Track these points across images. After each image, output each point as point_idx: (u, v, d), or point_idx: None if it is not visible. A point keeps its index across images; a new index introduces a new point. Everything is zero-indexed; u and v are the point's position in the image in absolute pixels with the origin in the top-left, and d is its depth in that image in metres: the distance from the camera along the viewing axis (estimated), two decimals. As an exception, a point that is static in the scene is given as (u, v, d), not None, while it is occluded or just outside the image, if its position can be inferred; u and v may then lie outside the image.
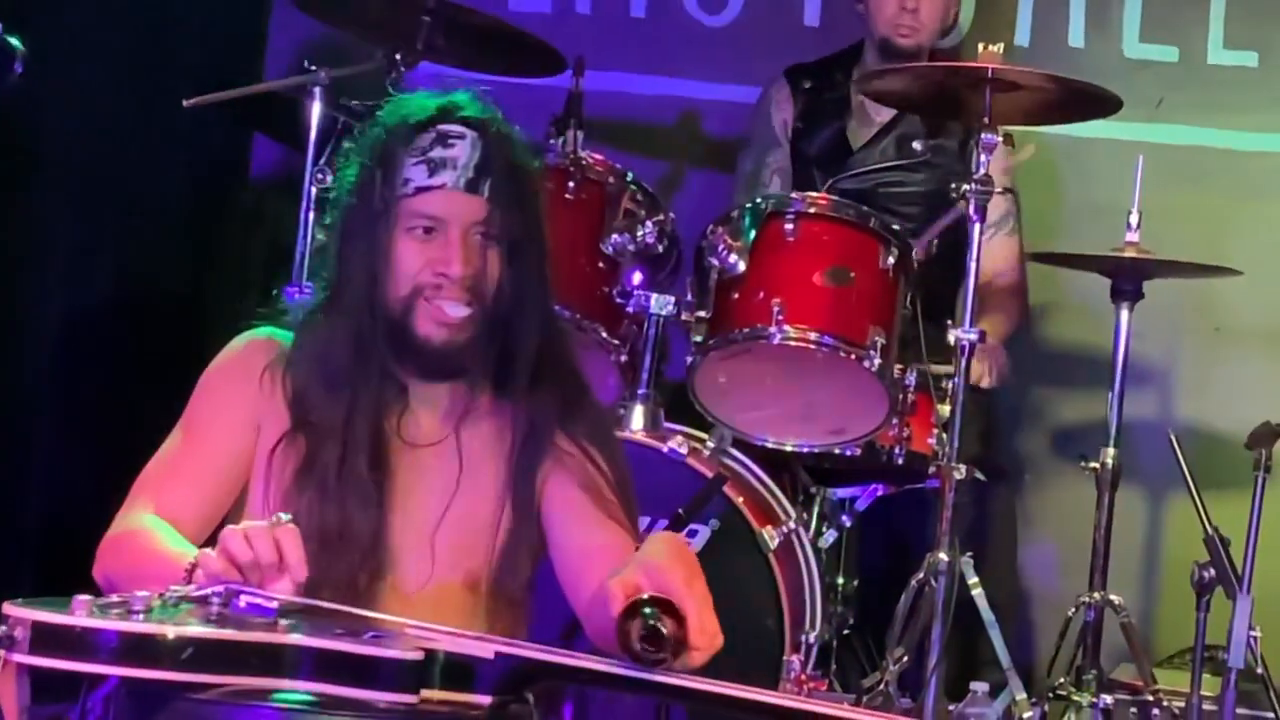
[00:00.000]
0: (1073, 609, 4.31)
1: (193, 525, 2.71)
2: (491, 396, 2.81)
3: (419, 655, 2.12)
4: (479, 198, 2.72)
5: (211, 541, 2.53)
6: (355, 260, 2.76)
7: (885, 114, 5.06)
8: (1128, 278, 4.35)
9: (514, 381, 2.79)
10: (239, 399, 2.79)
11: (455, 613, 2.68)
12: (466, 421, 2.80)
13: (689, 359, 4.19)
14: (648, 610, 2.22)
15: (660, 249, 4.28)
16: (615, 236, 4.23)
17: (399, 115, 2.78)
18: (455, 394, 2.80)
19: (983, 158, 4.09)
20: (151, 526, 2.67)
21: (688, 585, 2.32)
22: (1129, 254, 4.27)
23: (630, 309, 4.19)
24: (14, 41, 2.73)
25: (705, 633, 2.28)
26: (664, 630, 2.20)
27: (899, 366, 4.21)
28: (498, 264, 2.74)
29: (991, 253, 4.21)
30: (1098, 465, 4.33)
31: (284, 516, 2.42)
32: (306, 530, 2.48)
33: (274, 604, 2.24)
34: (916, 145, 5.03)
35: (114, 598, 2.14)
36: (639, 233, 4.23)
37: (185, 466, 2.77)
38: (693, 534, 3.86)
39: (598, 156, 4.37)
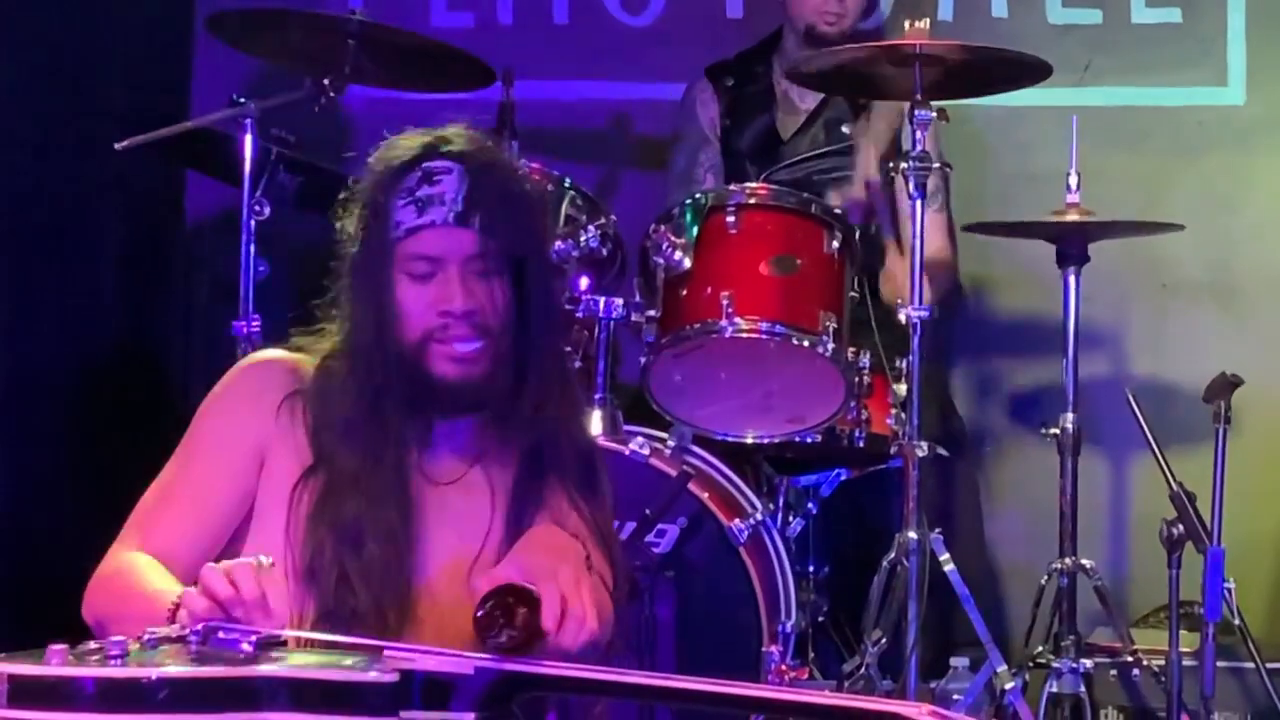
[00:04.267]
0: (1045, 577, 4.31)
1: (189, 558, 2.67)
2: (502, 430, 2.79)
3: (394, 677, 2.11)
4: (470, 230, 2.69)
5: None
6: (362, 309, 2.75)
7: (810, 100, 5.07)
8: (1072, 241, 4.36)
9: (522, 412, 2.76)
10: (248, 425, 2.76)
11: None
12: (490, 456, 2.79)
13: (642, 359, 4.18)
14: (486, 598, 2.28)
15: (604, 252, 4.28)
16: (559, 244, 4.22)
17: (386, 158, 2.76)
18: (477, 429, 2.79)
19: (918, 134, 4.11)
20: (139, 564, 2.65)
21: (550, 572, 2.37)
22: (1072, 217, 4.28)
23: (580, 314, 4.18)
24: None
25: (572, 616, 2.35)
26: (493, 613, 2.24)
27: (852, 350, 4.21)
28: (502, 293, 2.71)
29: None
30: (1058, 431, 4.33)
31: (265, 559, 2.41)
32: (330, 569, 2.47)
33: (253, 638, 2.22)
34: (845, 129, 5.04)
35: (90, 644, 2.12)
36: (582, 238, 4.23)
37: (183, 496, 2.74)
38: (661, 534, 3.86)
39: (534, 165, 4.36)
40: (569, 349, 4.22)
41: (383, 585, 2.66)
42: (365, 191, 2.77)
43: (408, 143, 2.76)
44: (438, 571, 2.72)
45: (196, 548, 2.71)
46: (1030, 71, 4.28)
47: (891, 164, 4.19)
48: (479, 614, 2.26)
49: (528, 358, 2.75)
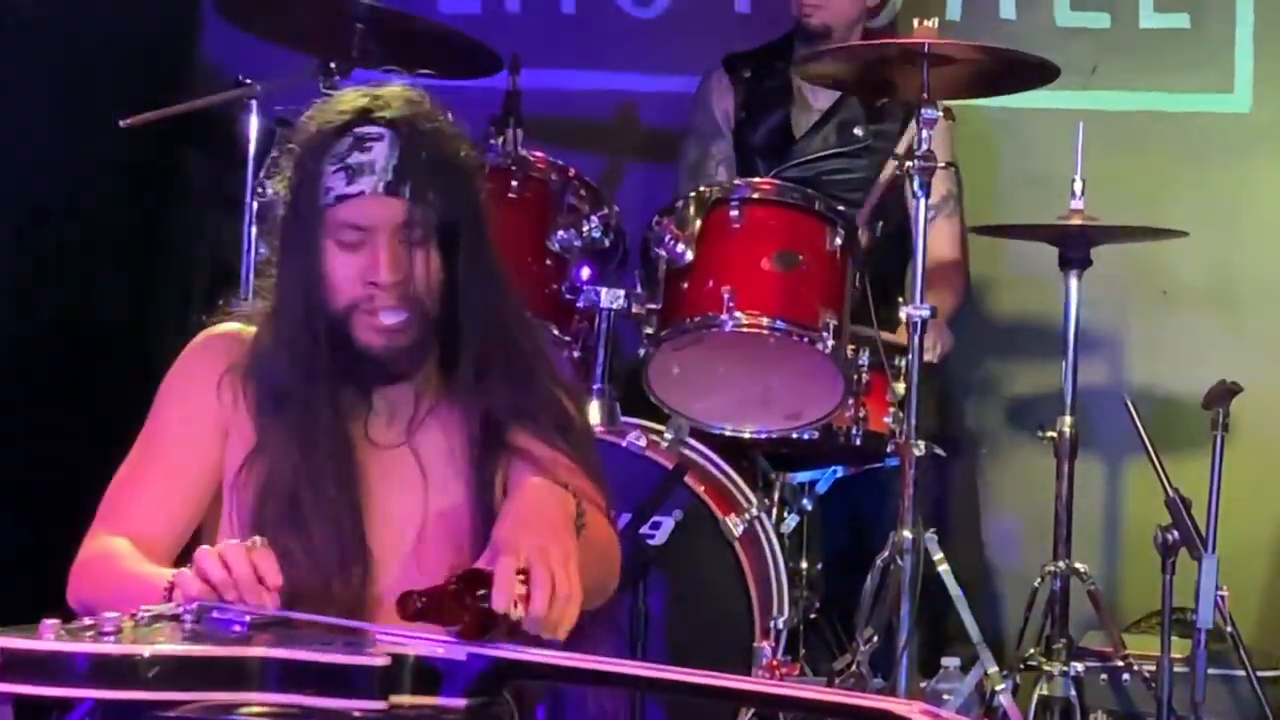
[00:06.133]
0: (1038, 579, 4.31)
1: (166, 541, 2.67)
2: (446, 396, 2.78)
3: (386, 661, 2.11)
4: (400, 200, 2.64)
5: (186, 554, 2.51)
6: (292, 274, 2.72)
7: (824, 100, 5.07)
8: (1075, 245, 4.36)
9: (460, 378, 2.75)
10: (201, 404, 2.74)
11: None
12: (424, 423, 2.77)
13: (641, 351, 4.18)
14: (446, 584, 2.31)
15: (606, 243, 4.28)
16: (561, 233, 4.23)
17: (319, 120, 2.72)
18: (410, 396, 2.77)
19: (924, 133, 4.11)
20: (122, 548, 2.64)
21: (540, 551, 2.37)
22: (1075, 221, 4.27)
23: (580, 305, 4.18)
24: None
25: (560, 598, 2.34)
26: (419, 605, 2.26)
27: (851, 347, 4.21)
28: (429, 263, 2.67)
29: (933, 236, 4.21)
30: (1055, 434, 4.33)
31: (258, 540, 2.41)
32: (282, 547, 2.46)
33: (246, 618, 2.22)
34: (858, 131, 5.03)
35: (85, 620, 2.12)
36: (584, 228, 4.23)
37: (153, 482, 2.73)
38: (656, 526, 3.86)
39: (539, 154, 4.37)
40: (569, 338, 4.23)
41: (335, 560, 2.64)
42: (296, 154, 2.73)
43: (342, 105, 2.71)
44: (388, 537, 2.70)
45: (170, 529, 2.70)
46: (1037, 73, 4.28)
47: (898, 163, 4.18)
48: (422, 602, 2.27)
49: (461, 325, 2.71)
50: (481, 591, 2.28)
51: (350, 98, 2.73)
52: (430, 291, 2.68)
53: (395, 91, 2.73)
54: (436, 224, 2.67)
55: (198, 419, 2.74)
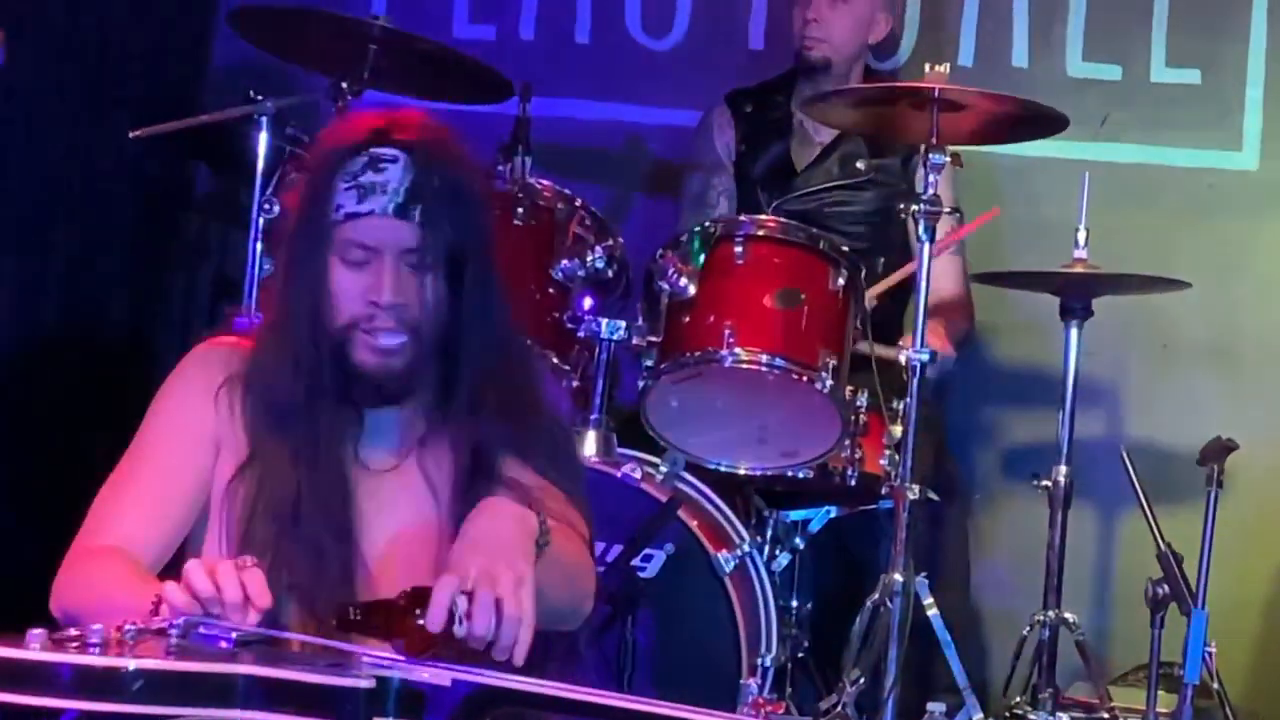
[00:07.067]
0: (1027, 627, 4.31)
1: (152, 552, 2.67)
2: (438, 423, 2.78)
3: (370, 683, 2.11)
4: (409, 223, 2.65)
5: (172, 565, 2.51)
6: (296, 287, 2.73)
7: (826, 134, 5.08)
8: (1077, 295, 4.36)
9: (456, 406, 2.75)
10: (196, 415, 2.74)
11: None
12: (413, 449, 2.77)
13: (640, 383, 4.18)
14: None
15: (610, 274, 4.29)
16: (565, 262, 4.23)
17: (336, 137, 2.74)
18: (401, 420, 2.77)
19: (931, 178, 4.11)
20: (111, 558, 2.63)
21: (488, 576, 2.37)
22: (1078, 271, 4.28)
23: (581, 334, 4.19)
24: None
25: (509, 620, 2.34)
26: (355, 617, 2.33)
27: (850, 388, 4.21)
28: (433, 289, 2.68)
29: (935, 273, 4.21)
30: (1050, 483, 4.33)
31: (248, 559, 2.41)
32: (273, 563, 2.47)
33: (233, 635, 2.22)
34: (860, 165, 5.04)
35: (70, 631, 2.12)
36: (588, 258, 4.24)
37: (141, 491, 2.72)
38: (648, 558, 3.86)
39: (546, 183, 4.37)
40: (568, 367, 4.23)
41: (327, 580, 2.63)
42: (310, 167, 2.75)
43: (360, 123, 2.73)
44: (376, 560, 2.69)
45: (157, 540, 2.69)
46: (1047, 123, 4.29)
47: (902, 206, 4.18)
48: (357, 614, 2.31)
49: (460, 355, 2.72)
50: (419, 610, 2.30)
51: (369, 117, 2.74)
52: (430, 317, 2.68)
53: (414, 115, 2.75)
54: (444, 251, 2.68)
55: (191, 429, 2.74)
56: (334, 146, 2.72)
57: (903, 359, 4.13)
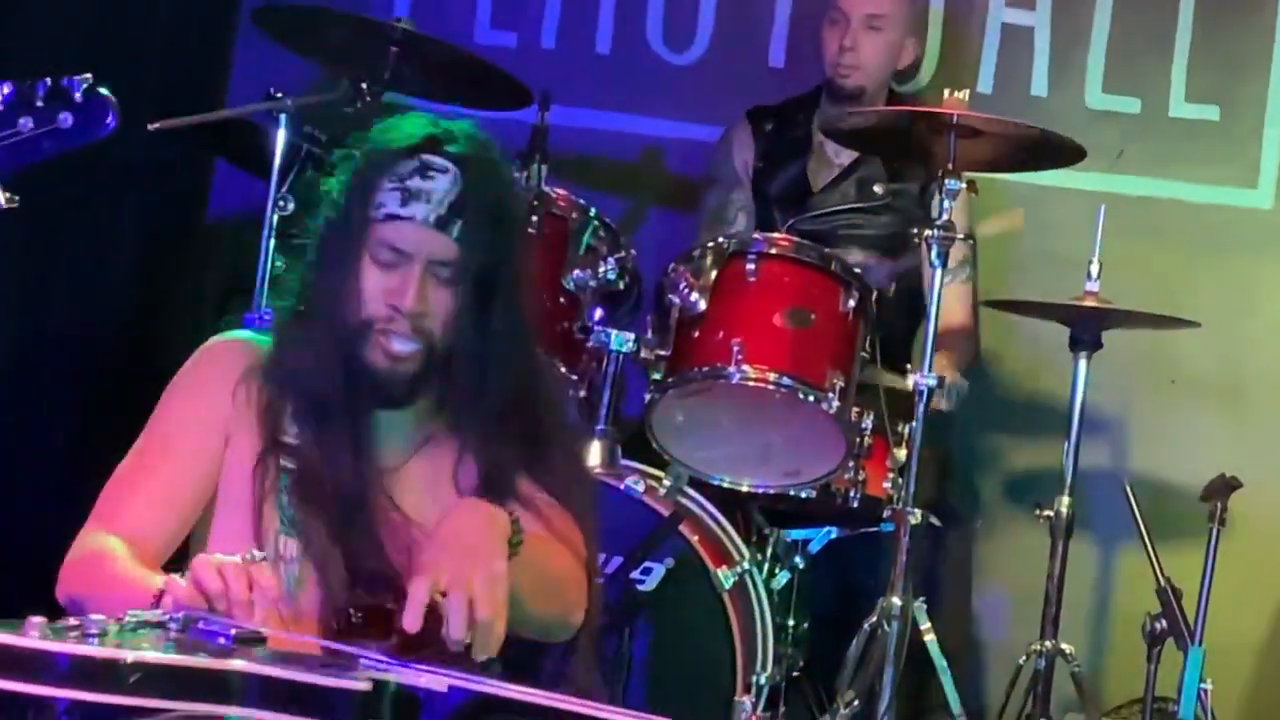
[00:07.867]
0: (1024, 657, 4.31)
1: (159, 542, 2.68)
2: (450, 432, 2.79)
3: (367, 686, 2.11)
4: (446, 236, 2.68)
5: (178, 557, 2.51)
6: (325, 276, 2.75)
7: (845, 156, 5.07)
8: (1086, 327, 4.36)
9: (474, 422, 2.76)
10: (211, 406, 2.75)
11: None
12: (417, 453, 2.79)
13: (647, 396, 4.18)
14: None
15: (622, 286, 4.28)
16: (577, 272, 4.23)
17: (388, 136, 2.75)
18: (406, 424, 2.78)
19: (946, 203, 4.12)
20: (116, 548, 2.64)
21: (459, 580, 2.39)
22: (1089, 303, 4.28)
23: (590, 345, 4.18)
24: (105, 92, 2.57)
25: (482, 627, 2.37)
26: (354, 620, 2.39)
27: (856, 410, 4.21)
28: (454, 303, 2.70)
29: (944, 299, 4.21)
30: (1052, 513, 4.33)
31: (257, 554, 2.41)
32: (301, 553, 2.48)
33: (232, 631, 2.22)
34: (877, 188, 5.03)
35: (70, 620, 2.12)
36: (601, 269, 4.23)
37: (152, 480, 2.74)
38: (647, 572, 3.86)
39: (561, 192, 4.37)
40: (576, 376, 4.23)
41: (351, 570, 2.65)
42: (357, 163, 2.76)
43: (412, 128, 2.74)
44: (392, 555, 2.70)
45: (165, 530, 2.72)
46: (1064, 153, 4.30)
47: (916, 231, 4.19)
48: (358, 618, 2.36)
49: (488, 373, 2.74)
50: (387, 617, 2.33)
51: (421, 122, 2.76)
52: (446, 331, 2.70)
53: (465, 129, 2.76)
54: (475, 270, 2.70)
55: (204, 421, 2.76)
56: (385, 145, 2.74)
57: (910, 384, 4.13)
